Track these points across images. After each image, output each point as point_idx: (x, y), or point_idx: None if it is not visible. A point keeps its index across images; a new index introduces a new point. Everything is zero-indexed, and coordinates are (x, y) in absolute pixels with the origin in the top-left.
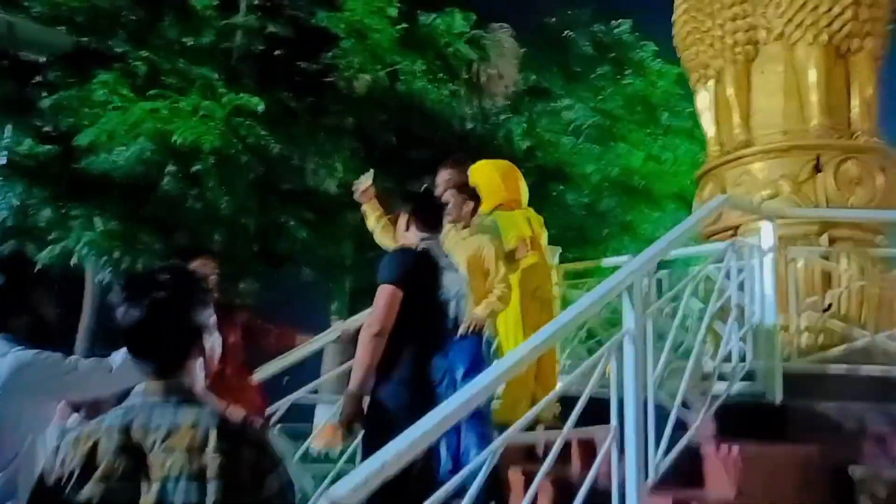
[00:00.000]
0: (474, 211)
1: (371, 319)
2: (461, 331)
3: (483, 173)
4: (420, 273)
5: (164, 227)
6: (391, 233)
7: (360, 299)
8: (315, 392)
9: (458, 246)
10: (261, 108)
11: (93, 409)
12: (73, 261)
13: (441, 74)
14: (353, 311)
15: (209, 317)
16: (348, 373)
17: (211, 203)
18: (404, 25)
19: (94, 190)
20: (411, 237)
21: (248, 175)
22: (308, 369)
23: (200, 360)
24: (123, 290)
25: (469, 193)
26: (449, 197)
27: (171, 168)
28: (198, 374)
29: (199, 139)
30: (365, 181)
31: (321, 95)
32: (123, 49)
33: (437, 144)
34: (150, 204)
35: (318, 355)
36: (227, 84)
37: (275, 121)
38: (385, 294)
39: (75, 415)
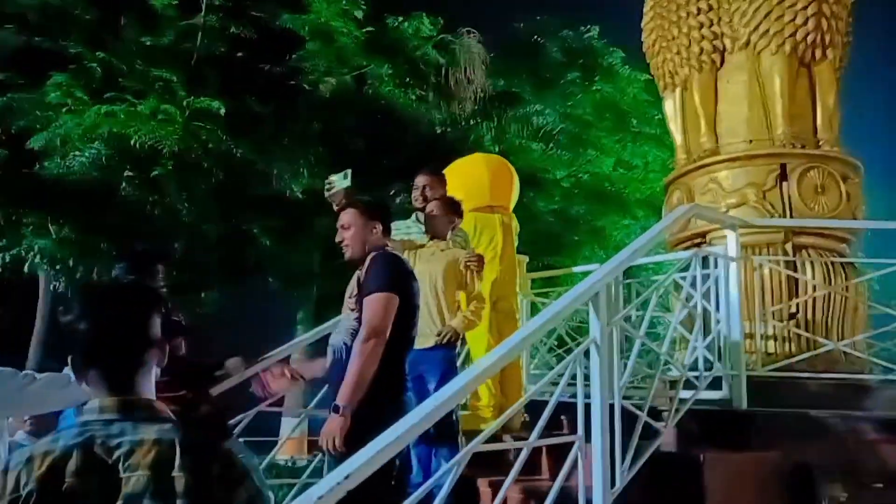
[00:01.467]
0: (455, 226)
1: (372, 329)
2: (436, 340)
3: (471, 171)
4: (407, 279)
5: (122, 235)
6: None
7: (327, 307)
8: (279, 404)
9: (434, 256)
10: (222, 111)
11: (39, 424)
12: (26, 269)
13: (409, 79)
14: (319, 319)
15: (159, 328)
16: (319, 386)
17: (171, 209)
18: (371, 28)
19: (47, 196)
20: (378, 242)
21: (210, 180)
22: None
23: (155, 372)
24: (75, 301)
25: (455, 211)
26: (435, 211)
27: (128, 173)
28: (153, 388)
29: (157, 143)
30: (340, 182)
31: (286, 99)
32: (78, 50)
33: (406, 150)
34: (107, 210)
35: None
36: (188, 86)
37: (238, 124)
38: (385, 301)
39: (21, 431)
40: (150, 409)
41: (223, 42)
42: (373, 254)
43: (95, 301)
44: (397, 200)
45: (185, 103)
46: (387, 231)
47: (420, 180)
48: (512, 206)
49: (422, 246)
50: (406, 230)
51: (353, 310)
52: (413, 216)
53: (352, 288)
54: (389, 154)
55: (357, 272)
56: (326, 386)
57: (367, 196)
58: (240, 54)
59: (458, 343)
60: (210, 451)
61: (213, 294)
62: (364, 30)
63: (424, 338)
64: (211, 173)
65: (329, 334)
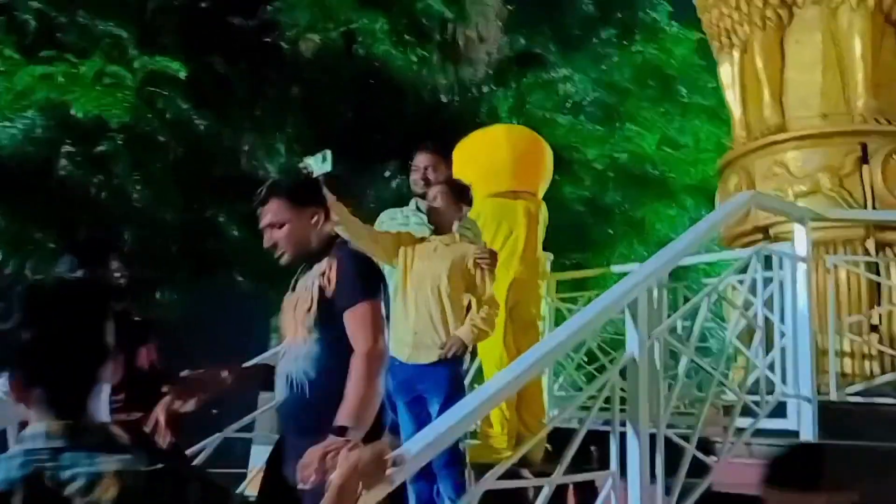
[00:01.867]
0: (463, 216)
1: (371, 355)
2: (439, 354)
3: (489, 146)
4: (384, 280)
5: (61, 222)
6: (359, 229)
7: None
8: (249, 429)
9: (436, 253)
10: (183, 74)
11: None
12: None
13: (408, 36)
14: None
15: (113, 337)
16: None
17: (120, 193)
18: None
19: None
20: (328, 234)
21: (167, 158)
22: (241, 401)
23: (107, 391)
24: (14, 304)
25: (464, 198)
26: (439, 197)
27: (68, 148)
28: (106, 409)
29: (104, 113)
30: (317, 165)
31: (259, 60)
32: None
33: (405, 122)
34: (43, 193)
35: None
36: (141, 44)
37: (201, 91)
38: (375, 312)
39: None
40: (105, 434)
41: None
42: (336, 254)
43: (40, 304)
44: (393, 184)
45: (136, 64)
46: (328, 215)
47: (421, 160)
48: (542, 191)
49: (422, 239)
50: (403, 220)
51: (310, 330)
52: (411, 203)
53: (304, 300)
54: (384, 128)
55: (303, 279)
56: None
57: (300, 177)
58: (204, 4)
59: (466, 357)
60: (183, 481)
61: (170, 295)
62: None
63: (425, 350)
64: (168, 149)
65: None
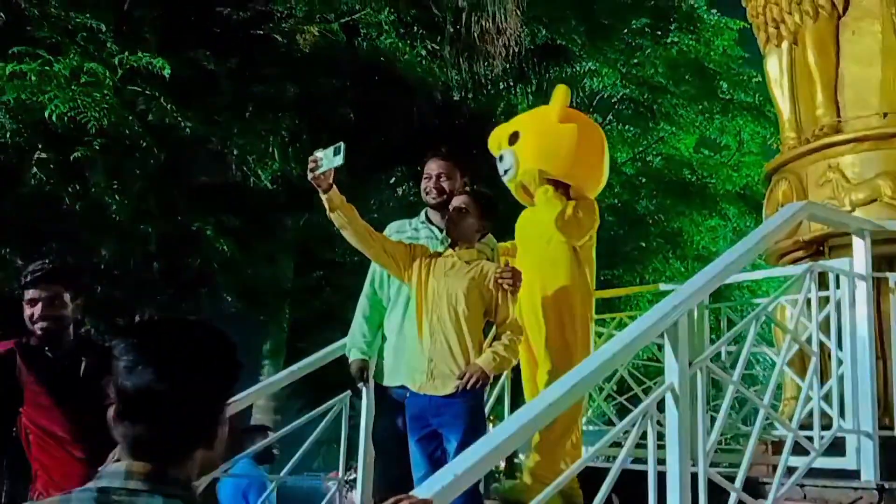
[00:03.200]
0: (486, 231)
1: None
2: (457, 386)
3: (548, 128)
4: None
5: (32, 236)
6: (370, 236)
7: (303, 335)
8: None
9: (454, 270)
10: (166, 71)
11: None
12: None
13: (417, 28)
14: (292, 352)
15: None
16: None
17: (96, 203)
18: None
19: None
20: None
21: (149, 164)
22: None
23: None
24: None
25: (489, 210)
26: (462, 208)
27: (41, 154)
28: (196, 466)
29: (80, 114)
30: (329, 159)
31: (251, 55)
32: None
33: (413, 123)
34: (12, 203)
35: (243, 416)
36: (120, 38)
37: (186, 90)
38: None
39: None
40: (187, 489)
41: None
42: None
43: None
44: (399, 191)
45: (116, 61)
46: None
47: (433, 167)
48: (595, 191)
49: (437, 254)
50: (412, 234)
51: None
52: (421, 214)
53: None
54: (390, 129)
55: None
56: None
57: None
58: None
59: (487, 389)
60: None
61: (152, 315)
62: None
63: (441, 380)
64: (150, 155)
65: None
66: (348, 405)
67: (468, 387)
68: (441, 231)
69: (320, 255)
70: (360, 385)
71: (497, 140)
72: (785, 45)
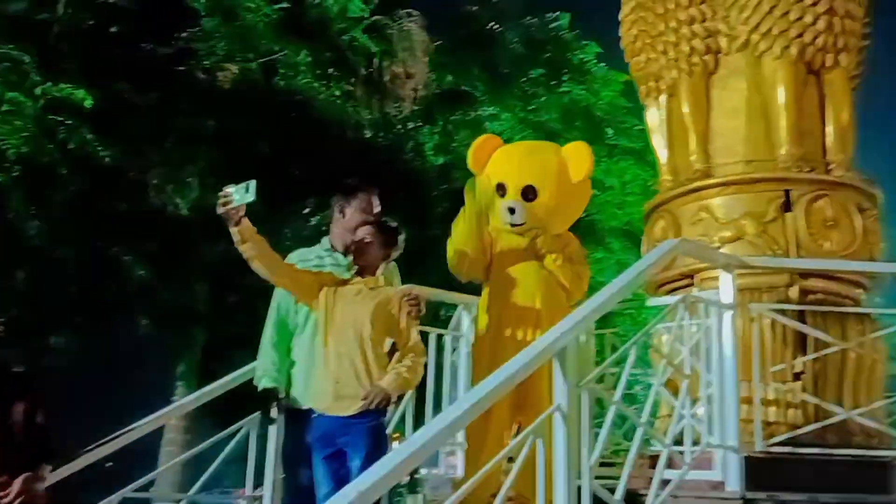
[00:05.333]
0: (391, 259)
1: None
2: (362, 406)
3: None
4: None
5: None
6: (278, 265)
7: (216, 359)
8: (149, 487)
9: (360, 296)
10: (88, 103)
11: None
12: None
13: (332, 70)
14: (205, 374)
15: None
16: (194, 463)
17: (15, 228)
18: (286, 5)
19: None
20: None
21: (68, 191)
22: (142, 455)
23: None
24: None
25: (394, 239)
26: (367, 238)
27: None
28: None
29: (1, 142)
30: (240, 196)
31: (172, 89)
32: None
33: (326, 158)
34: None
35: (154, 436)
36: (43, 69)
37: (107, 121)
38: None
39: None
40: None
41: (91, 12)
42: None
43: None
44: (312, 221)
45: (38, 91)
46: None
47: (375, 202)
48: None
49: (345, 282)
50: (317, 262)
51: None
52: (323, 241)
53: None
54: (304, 163)
55: None
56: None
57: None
58: (114, 29)
59: (390, 409)
60: None
61: (66, 339)
62: (277, 6)
63: (347, 401)
64: (70, 182)
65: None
66: (258, 425)
67: (371, 406)
68: (345, 258)
69: (235, 280)
70: (272, 413)
71: (502, 171)
72: (663, 97)
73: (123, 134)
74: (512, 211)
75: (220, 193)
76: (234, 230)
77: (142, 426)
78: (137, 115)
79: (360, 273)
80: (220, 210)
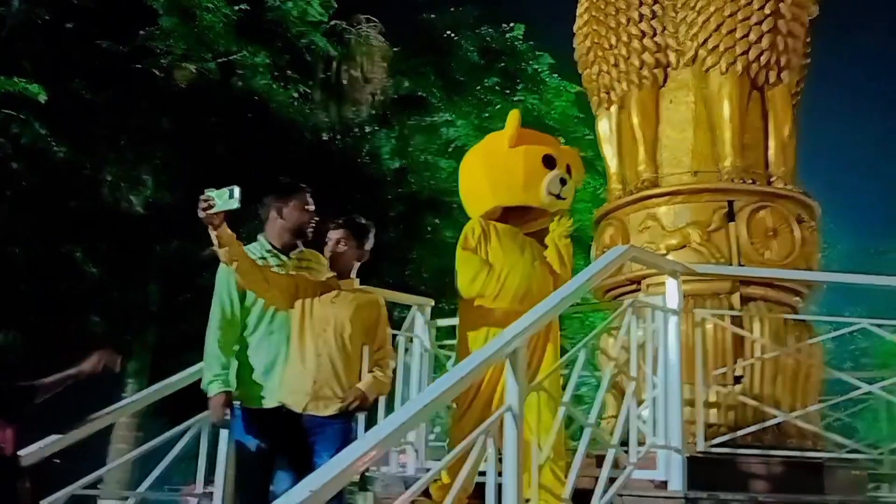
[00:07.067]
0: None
1: None
2: (340, 407)
3: (468, 172)
4: None
5: None
6: (253, 268)
7: (167, 358)
8: (97, 486)
9: (337, 298)
10: (42, 98)
11: None
12: None
13: (290, 72)
14: (156, 373)
15: None
16: (143, 461)
17: None
18: (244, 6)
19: None
20: None
21: (20, 187)
22: (89, 452)
23: None
24: None
25: (367, 239)
26: (342, 243)
27: None
28: None
29: None
30: (223, 201)
31: (128, 87)
32: None
33: (283, 159)
34: None
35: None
36: None
37: (61, 117)
38: None
39: None
40: None
41: (46, 8)
42: None
43: None
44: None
45: None
46: None
47: (310, 200)
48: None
49: (319, 283)
50: (261, 261)
51: None
52: (264, 241)
53: None
54: (260, 163)
55: None
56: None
57: None
58: (69, 25)
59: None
60: None
61: (14, 336)
62: (236, 7)
63: (325, 402)
64: (22, 178)
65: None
66: (209, 424)
67: (350, 408)
68: (288, 257)
69: (187, 279)
70: (225, 416)
71: (546, 145)
72: (614, 109)
73: (78, 130)
74: (563, 182)
75: (201, 197)
76: (213, 234)
77: (91, 423)
78: (93, 112)
79: (340, 276)
80: (200, 214)
